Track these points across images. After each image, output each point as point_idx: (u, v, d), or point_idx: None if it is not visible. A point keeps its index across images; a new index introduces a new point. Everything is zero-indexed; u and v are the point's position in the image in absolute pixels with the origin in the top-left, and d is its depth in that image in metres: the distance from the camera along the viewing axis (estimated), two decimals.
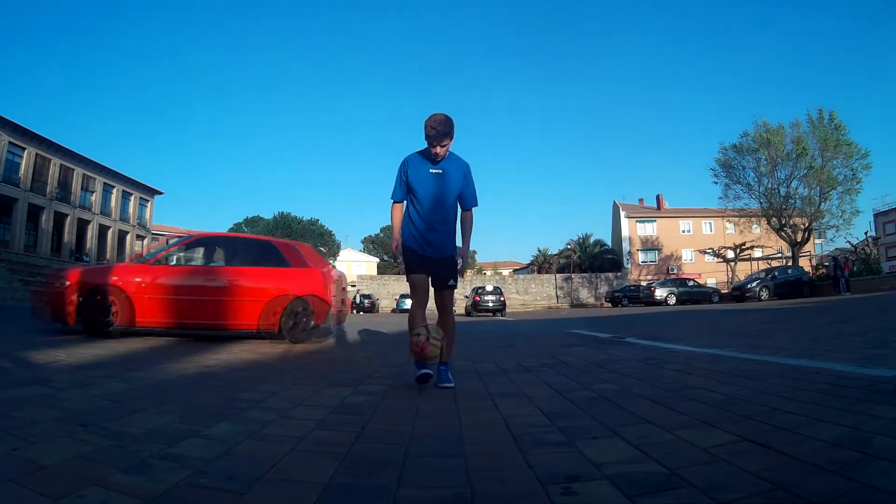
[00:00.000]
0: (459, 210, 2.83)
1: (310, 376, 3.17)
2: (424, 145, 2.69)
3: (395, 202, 2.79)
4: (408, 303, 3.02)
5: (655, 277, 37.17)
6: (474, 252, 59.79)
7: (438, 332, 2.62)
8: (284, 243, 6.34)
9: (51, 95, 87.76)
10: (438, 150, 2.62)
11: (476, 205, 2.84)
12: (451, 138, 2.65)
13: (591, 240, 44.00)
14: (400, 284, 38.21)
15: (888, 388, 2.06)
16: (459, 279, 2.87)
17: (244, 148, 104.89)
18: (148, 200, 38.21)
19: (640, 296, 26.56)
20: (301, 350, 4.96)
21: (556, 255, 44.83)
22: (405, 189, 2.75)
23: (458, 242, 2.88)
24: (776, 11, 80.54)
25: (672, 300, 24.11)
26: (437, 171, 2.68)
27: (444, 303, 2.85)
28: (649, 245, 42.73)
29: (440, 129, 2.58)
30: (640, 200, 46.97)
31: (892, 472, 1.18)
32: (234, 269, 5.77)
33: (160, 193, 39.61)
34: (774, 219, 27.18)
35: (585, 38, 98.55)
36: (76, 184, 30.16)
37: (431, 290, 2.81)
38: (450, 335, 2.79)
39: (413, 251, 2.76)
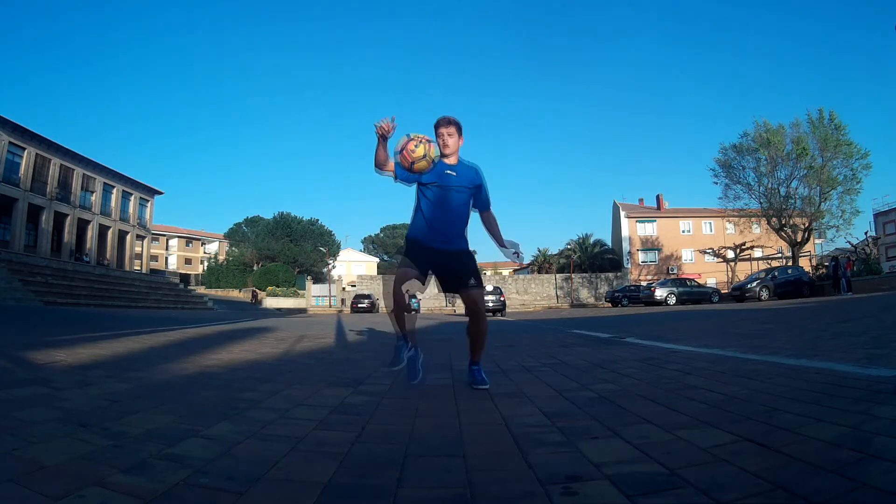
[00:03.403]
0: (479, 215, 2.87)
1: (310, 376, 3.16)
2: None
3: (392, 161, 2.65)
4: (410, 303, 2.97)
5: (655, 277, 37.19)
6: (474, 252, 59.70)
7: None
8: None
9: (51, 96, 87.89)
10: (446, 138, 2.63)
11: (490, 207, 2.85)
12: (460, 133, 2.68)
13: (591, 240, 44.01)
14: None
15: (888, 388, 2.05)
16: (518, 257, 2.88)
17: (244, 148, 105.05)
18: (148, 200, 38.18)
19: (640, 296, 26.55)
20: (301, 350, 4.96)
21: (556, 255, 44.84)
22: (407, 174, 2.65)
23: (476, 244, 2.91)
24: (776, 12, 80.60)
25: (672, 300, 24.10)
26: (451, 172, 2.68)
27: (475, 306, 2.66)
28: (649, 245, 42.74)
29: (446, 118, 2.67)
30: (640, 200, 46.99)
31: (892, 472, 1.18)
32: None
33: (160, 193, 39.59)
34: (774, 219, 27.19)
35: (585, 40, 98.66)
36: (76, 184, 30.13)
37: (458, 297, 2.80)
38: (480, 340, 2.74)
39: (418, 242, 2.70)
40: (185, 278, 46.41)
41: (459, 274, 2.68)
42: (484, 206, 2.83)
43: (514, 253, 2.87)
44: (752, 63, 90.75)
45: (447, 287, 2.74)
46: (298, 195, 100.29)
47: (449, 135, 2.65)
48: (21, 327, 7.52)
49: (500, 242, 2.86)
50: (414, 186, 2.74)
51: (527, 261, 53.85)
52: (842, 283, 19.63)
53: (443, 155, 2.67)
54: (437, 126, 2.68)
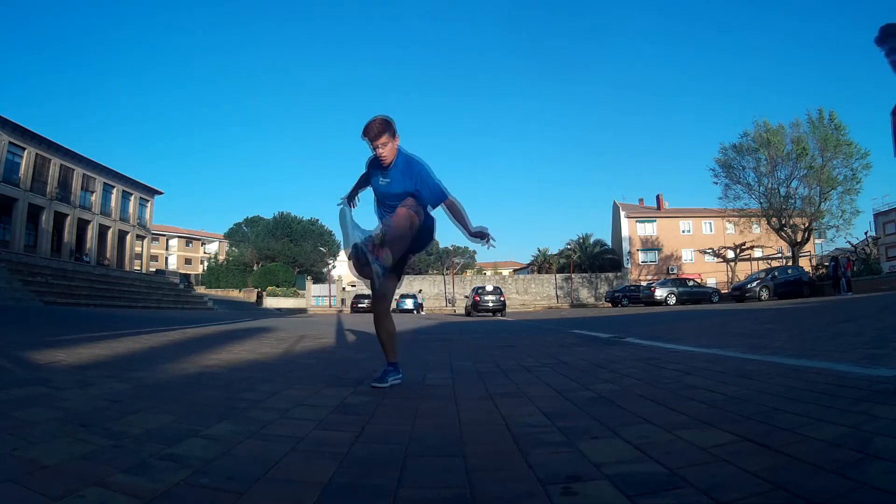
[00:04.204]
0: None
1: (310, 376, 3.16)
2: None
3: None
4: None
5: (655, 277, 37.19)
6: (474, 252, 59.72)
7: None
8: None
9: (51, 96, 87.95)
10: (380, 150, 2.55)
11: (442, 199, 2.62)
12: (391, 136, 2.55)
13: (591, 240, 44.03)
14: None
15: (888, 388, 2.05)
16: (487, 244, 2.70)
17: (244, 148, 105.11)
18: (148, 200, 38.19)
19: (640, 296, 26.59)
20: (301, 350, 4.96)
21: (556, 255, 44.86)
22: (364, 184, 2.80)
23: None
24: (776, 12, 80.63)
25: (672, 300, 24.12)
26: (385, 181, 2.64)
27: (373, 294, 2.77)
28: (649, 245, 42.75)
29: (374, 130, 2.52)
30: (640, 200, 47.00)
31: (892, 472, 1.18)
32: None
33: (160, 193, 39.60)
34: (774, 219, 27.21)
35: (585, 40, 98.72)
36: (76, 184, 30.14)
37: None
38: (382, 339, 2.77)
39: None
40: (187, 278, 46.18)
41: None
42: (433, 203, 2.63)
43: (484, 242, 2.70)
44: (752, 63, 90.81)
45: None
46: (298, 195, 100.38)
47: (382, 145, 2.54)
48: (21, 327, 7.51)
49: (469, 231, 2.67)
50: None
51: (526, 261, 53.92)
52: (842, 283, 19.64)
53: (383, 167, 2.62)
54: (368, 142, 2.55)
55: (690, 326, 7.63)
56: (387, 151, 2.55)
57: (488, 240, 2.70)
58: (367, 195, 2.84)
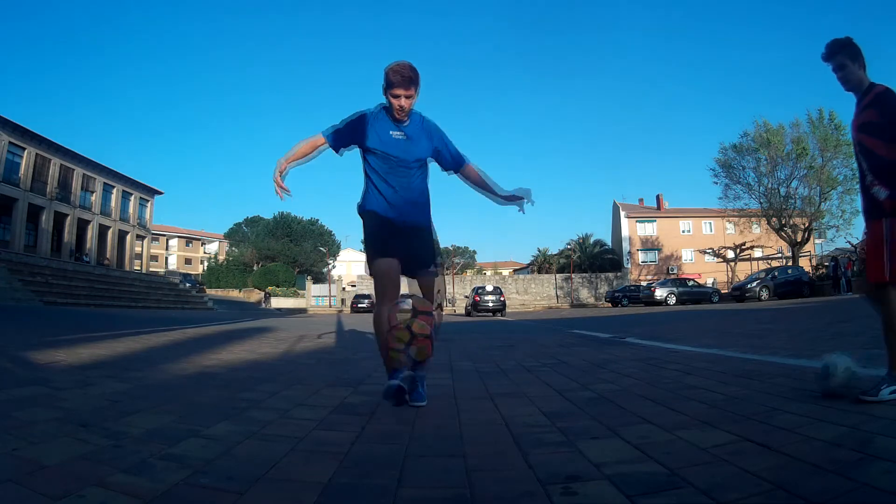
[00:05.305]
0: (457, 176, 2.46)
1: (309, 376, 3.16)
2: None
3: (321, 134, 2.29)
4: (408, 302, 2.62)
5: (655, 277, 37.17)
6: (474, 252, 59.75)
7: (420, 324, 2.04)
8: None
9: (51, 96, 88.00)
10: (403, 101, 2.16)
11: (463, 163, 2.40)
12: (417, 92, 2.20)
13: (591, 240, 44.00)
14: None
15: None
16: (527, 205, 2.33)
17: (245, 147, 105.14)
18: (148, 200, 38.15)
19: (640, 296, 26.58)
20: (301, 350, 4.96)
21: (556, 255, 44.82)
22: (349, 137, 2.27)
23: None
24: (776, 11, 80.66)
25: (672, 300, 24.11)
26: (399, 134, 2.24)
27: (430, 295, 2.34)
28: (649, 245, 42.73)
29: (406, 74, 2.13)
30: (640, 200, 46.98)
31: (892, 472, 1.18)
32: None
33: (160, 193, 39.57)
34: (774, 219, 27.20)
35: (585, 39, 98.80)
36: (76, 184, 30.11)
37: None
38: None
39: (377, 216, 2.26)
40: (190, 278, 45.90)
41: (417, 253, 2.30)
42: (455, 165, 2.37)
43: (524, 203, 2.36)
44: (753, 62, 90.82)
45: (403, 269, 2.30)
46: (298, 195, 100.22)
47: (408, 97, 2.17)
48: (21, 327, 7.51)
49: (500, 195, 2.34)
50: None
51: (526, 261, 53.88)
52: (842, 283, 19.63)
53: (395, 119, 2.23)
54: (391, 85, 2.14)
55: (690, 326, 7.63)
56: (408, 105, 2.20)
57: (527, 200, 2.36)
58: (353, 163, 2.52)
